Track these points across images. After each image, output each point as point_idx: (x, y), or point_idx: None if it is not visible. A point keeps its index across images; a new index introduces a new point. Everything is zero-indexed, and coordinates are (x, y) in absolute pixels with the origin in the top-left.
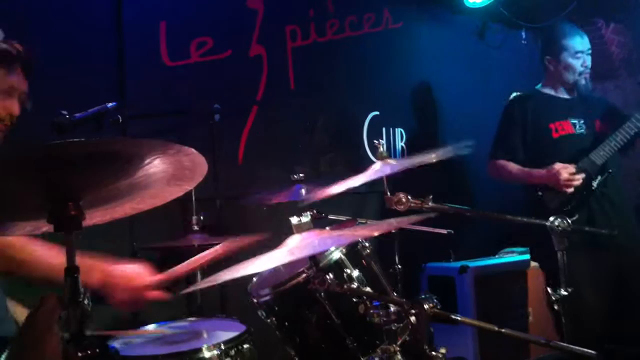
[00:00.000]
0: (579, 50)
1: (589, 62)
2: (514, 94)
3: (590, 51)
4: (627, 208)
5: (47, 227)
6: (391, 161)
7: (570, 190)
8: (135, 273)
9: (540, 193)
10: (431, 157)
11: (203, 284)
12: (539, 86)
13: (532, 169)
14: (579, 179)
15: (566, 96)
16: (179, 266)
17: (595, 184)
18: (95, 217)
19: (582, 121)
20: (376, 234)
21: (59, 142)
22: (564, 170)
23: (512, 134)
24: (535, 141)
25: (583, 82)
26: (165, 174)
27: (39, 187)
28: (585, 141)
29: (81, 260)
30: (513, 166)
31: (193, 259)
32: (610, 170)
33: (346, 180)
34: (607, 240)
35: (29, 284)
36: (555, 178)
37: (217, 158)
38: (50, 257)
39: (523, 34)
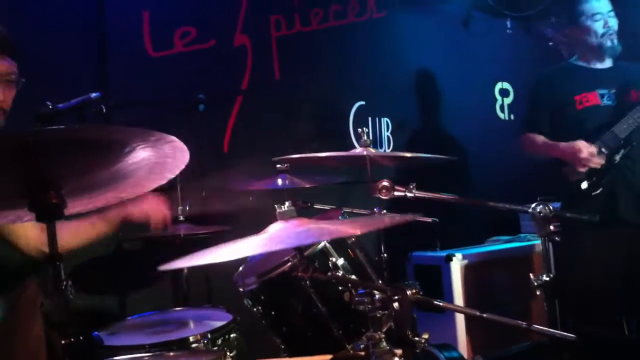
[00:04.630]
0: (596, 12)
1: (612, 24)
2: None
3: (612, 13)
4: None
5: (29, 217)
6: (372, 150)
7: (584, 169)
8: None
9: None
10: None
11: (184, 263)
12: (573, 59)
13: (555, 142)
14: (597, 162)
15: (599, 66)
16: None
17: (617, 157)
18: (77, 206)
19: (612, 91)
20: (359, 232)
21: (38, 130)
22: (586, 149)
23: (538, 108)
24: (560, 114)
25: (609, 43)
26: (147, 162)
27: (20, 175)
28: (611, 113)
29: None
30: (539, 138)
31: None
32: (635, 143)
33: None
34: (620, 218)
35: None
36: (575, 155)
37: (202, 148)
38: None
39: (508, 23)
